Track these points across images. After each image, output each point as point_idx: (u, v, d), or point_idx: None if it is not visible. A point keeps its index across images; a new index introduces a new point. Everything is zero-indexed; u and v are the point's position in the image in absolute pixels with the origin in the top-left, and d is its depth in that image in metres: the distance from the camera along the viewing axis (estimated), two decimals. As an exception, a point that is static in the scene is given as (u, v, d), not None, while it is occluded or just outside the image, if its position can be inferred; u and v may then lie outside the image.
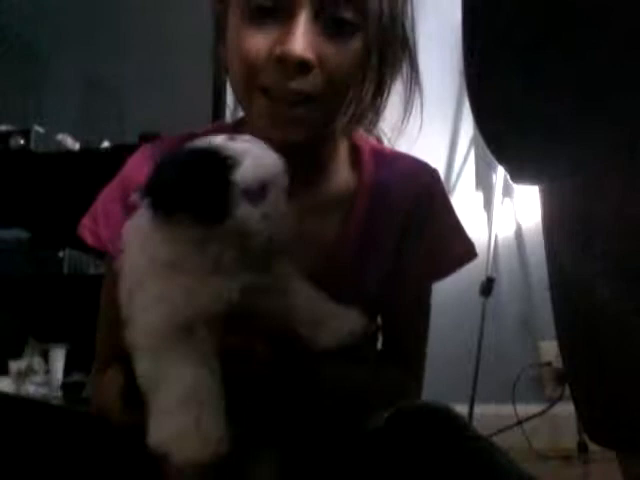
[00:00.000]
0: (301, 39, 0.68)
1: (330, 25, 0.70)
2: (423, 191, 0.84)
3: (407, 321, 0.87)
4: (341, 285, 0.77)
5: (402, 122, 0.83)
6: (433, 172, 0.87)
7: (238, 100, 0.80)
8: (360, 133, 0.87)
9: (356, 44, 0.72)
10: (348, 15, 0.70)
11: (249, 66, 0.71)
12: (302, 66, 0.69)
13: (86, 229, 0.83)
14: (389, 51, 0.75)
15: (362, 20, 0.71)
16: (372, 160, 0.84)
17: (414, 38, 0.79)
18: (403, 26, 0.77)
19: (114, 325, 0.76)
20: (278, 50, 0.69)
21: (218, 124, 0.90)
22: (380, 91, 0.78)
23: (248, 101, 0.75)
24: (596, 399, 0.63)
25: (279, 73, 0.69)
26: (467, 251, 0.86)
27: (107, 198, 0.84)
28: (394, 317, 0.86)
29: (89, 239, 0.82)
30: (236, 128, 0.84)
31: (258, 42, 0.70)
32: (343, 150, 0.85)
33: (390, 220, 0.82)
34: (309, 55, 0.69)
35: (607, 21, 0.53)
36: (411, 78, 0.81)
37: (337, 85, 0.72)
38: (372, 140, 0.88)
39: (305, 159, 0.78)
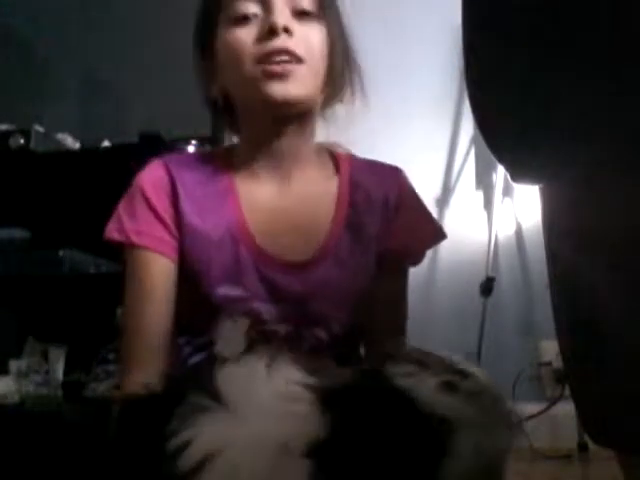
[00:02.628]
0: (281, 14, 0.88)
1: (296, 14, 0.90)
2: (393, 185, 1.00)
3: (387, 301, 0.99)
4: (338, 267, 0.94)
5: (352, 111, 0.98)
6: (399, 170, 1.03)
7: (240, 92, 0.94)
8: (336, 146, 1.04)
9: (319, 28, 0.92)
10: (309, 6, 0.91)
11: (245, 47, 0.88)
12: (285, 30, 0.88)
13: (112, 230, 0.93)
14: (343, 39, 0.96)
15: (320, 12, 0.92)
16: (348, 164, 1.01)
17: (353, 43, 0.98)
18: (345, 26, 0.97)
19: (144, 319, 0.89)
20: (266, 24, 0.88)
21: (221, 147, 1.13)
22: (343, 72, 0.96)
23: (248, 77, 0.89)
24: (596, 399, 0.63)
25: (270, 40, 0.87)
26: (435, 232, 1.03)
27: (127, 203, 0.95)
28: (375, 299, 0.97)
29: (115, 235, 0.93)
30: (231, 149, 1.01)
31: (247, 31, 0.89)
32: (325, 158, 1.01)
33: (370, 210, 0.97)
34: (290, 25, 0.88)
35: (607, 20, 0.53)
36: (354, 72, 0.98)
37: (314, 52, 0.90)
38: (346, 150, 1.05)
39: (293, 142, 0.94)
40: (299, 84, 0.89)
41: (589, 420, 0.65)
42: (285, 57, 0.87)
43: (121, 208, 0.95)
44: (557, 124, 0.58)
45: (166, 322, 0.91)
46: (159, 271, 0.91)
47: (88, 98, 2.60)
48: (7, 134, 2.08)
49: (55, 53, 2.60)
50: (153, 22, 2.52)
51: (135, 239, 0.91)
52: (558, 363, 2.13)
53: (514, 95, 0.59)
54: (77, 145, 2.15)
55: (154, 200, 0.93)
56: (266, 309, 0.92)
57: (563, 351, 0.68)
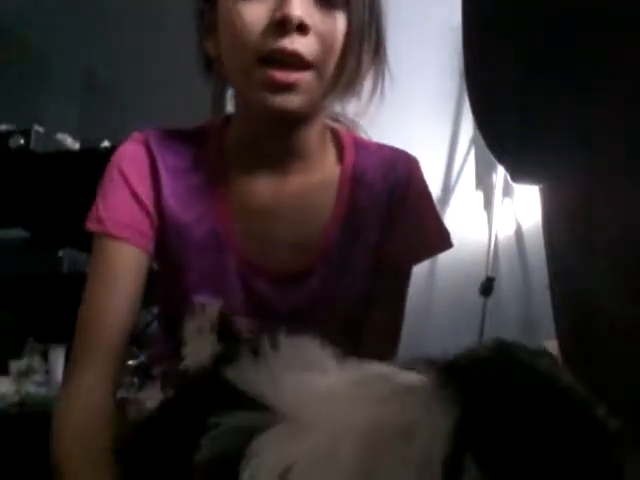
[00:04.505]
0: (299, 3, 0.73)
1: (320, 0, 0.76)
2: (402, 177, 0.88)
3: (384, 305, 0.88)
4: (333, 267, 0.84)
5: (367, 106, 0.86)
6: (412, 160, 0.90)
7: (235, 83, 0.83)
8: (343, 128, 0.92)
9: (342, 19, 0.78)
10: None
11: (249, 35, 0.74)
12: (300, 28, 0.73)
13: (91, 220, 0.83)
14: (369, 30, 0.81)
15: None
16: (353, 149, 0.89)
17: (386, 29, 0.86)
18: (380, 13, 0.84)
19: (109, 310, 0.78)
20: (278, 14, 0.73)
21: (207, 121, 0.92)
22: (360, 69, 0.82)
23: (247, 76, 0.76)
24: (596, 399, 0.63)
25: (279, 36, 0.73)
26: (442, 240, 0.90)
27: (106, 187, 0.84)
28: (372, 302, 0.88)
29: (93, 226, 0.82)
30: (223, 126, 0.88)
31: (256, 12, 0.74)
32: (328, 140, 0.89)
33: (372, 206, 0.86)
34: (306, 18, 0.74)
35: (607, 17, 0.53)
36: (380, 65, 0.86)
37: (329, 53, 0.77)
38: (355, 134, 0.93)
39: (296, 140, 0.83)
40: (303, 95, 0.76)
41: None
42: (291, 60, 0.74)
43: (100, 194, 0.84)
44: (557, 124, 0.58)
45: (128, 322, 0.80)
46: (133, 265, 0.81)
47: (88, 98, 2.61)
48: (7, 134, 2.08)
49: (55, 53, 2.60)
50: (153, 22, 2.52)
51: (114, 230, 0.81)
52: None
53: (514, 95, 0.59)
54: (77, 145, 2.15)
55: (135, 184, 0.82)
56: (247, 324, 0.81)
57: (563, 350, 0.68)
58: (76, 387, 0.77)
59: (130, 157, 0.84)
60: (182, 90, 2.46)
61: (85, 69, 2.60)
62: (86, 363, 0.78)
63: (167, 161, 0.84)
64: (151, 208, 0.82)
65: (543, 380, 0.43)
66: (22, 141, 2.06)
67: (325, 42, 0.76)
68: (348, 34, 0.78)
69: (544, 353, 0.46)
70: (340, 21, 0.77)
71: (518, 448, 0.39)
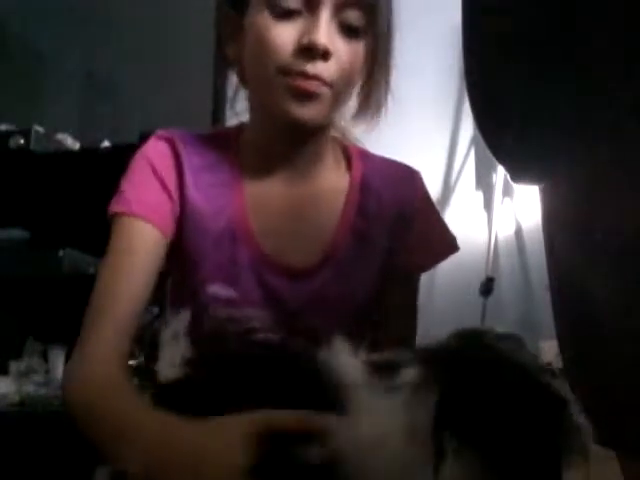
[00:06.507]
0: (325, 32, 0.81)
1: (342, 28, 0.83)
2: (408, 190, 0.94)
3: (398, 314, 0.93)
4: (339, 277, 0.89)
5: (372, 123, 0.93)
6: (416, 173, 0.97)
7: (255, 91, 0.89)
8: (350, 142, 0.98)
9: (361, 47, 0.85)
10: (357, 22, 0.83)
11: (276, 55, 0.81)
12: (324, 54, 0.81)
13: (113, 203, 0.86)
14: (385, 57, 0.89)
15: (367, 28, 0.84)
16: (360, 160, 0.95)
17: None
18: (393, 39, 0.90)
19: (124, 281, 0.83)
20: (306, 39, 0.80)
21: (224, 128, 0.99)
22: (373, 90, 0.90)
23: (268, 85, 0.83)
24: (596, 399, 0.63)
25: (303, 59, 0.81)
26: (449, 245, 0.96)
27: (131, 174, 0.88)
28: (385, 312, 0.93)
29: (116, 207, 0.85)
30: (238, 133, 0.94)
31: (286, 34, 0.81)
32: (337, 150, 0.95)
33: (380, 214, 0.92)
34: (330, 46, 0.81)
35: (607, 20, 0.53)
36: (385, 82, 0.92)
37: (346, 76, 0.84)
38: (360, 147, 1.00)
39: (310, 147, 0.90)
40: (320, 108, 0.83)
41: (589, 420, 0.65)
42: (312, 81, 0.81)
43: (124, 180, 0.88)
44: (557, 125, 0.59)
45: (142, 299, 0.83)
46: (152, 244, 0.85)
47: (88, 98, 2.61)
48: (7, 134, 2.08)
49: (55, 53, 2.60)
50: (153, 22, 2.52)
51: (135, 207, 0.84)
52: (558, 363, 2.13)
53: (514, 96, 0.60)
54: (77, 145, 2.15)
55: (161, 170, 0.87)
56: (259, 315, 0.86)
57: (563, 351, 0.69)
58: (88, 354, 0.79)
59: (157, 151, 0.89)
60: (182, 90, 2.47)
61: (85, 69, 2.60)
62: (97, 331, 0.80)
63: (191, 159, 0.89)
64: (175, 196, 0.87)
65: (504, 363, 0.57)
66: (22, 141, 2.06)
67: (344, 68, 0.83)
68: (372, 61, 0.87)
69: (508, 336, 0.60)
70: (358, 50, 0.85)
71: (485, 420, 0.53)
